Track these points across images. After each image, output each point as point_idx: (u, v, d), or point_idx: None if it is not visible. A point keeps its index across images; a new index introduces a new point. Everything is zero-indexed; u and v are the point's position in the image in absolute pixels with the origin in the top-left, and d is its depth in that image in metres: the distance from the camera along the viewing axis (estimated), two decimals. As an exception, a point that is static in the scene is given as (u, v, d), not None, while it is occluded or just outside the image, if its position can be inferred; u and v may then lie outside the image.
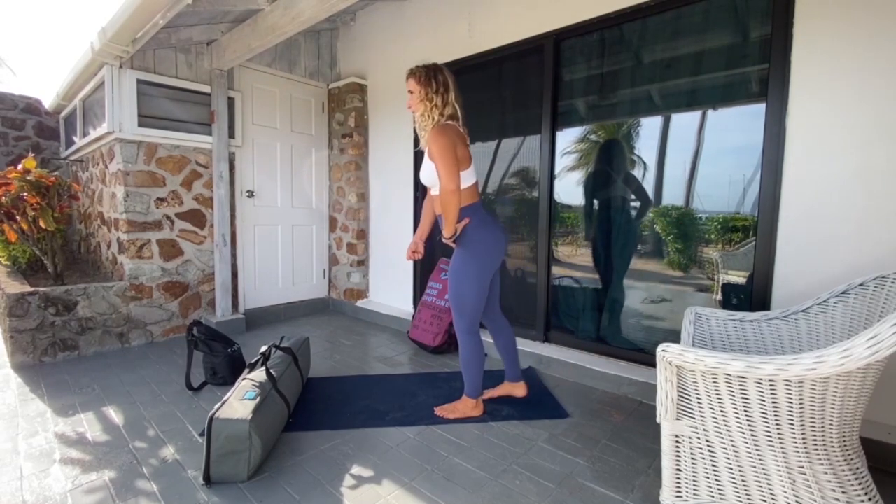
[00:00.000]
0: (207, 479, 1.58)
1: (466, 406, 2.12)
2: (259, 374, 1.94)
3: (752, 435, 1.21)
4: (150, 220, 3.19)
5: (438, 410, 2.13)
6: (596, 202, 2.82)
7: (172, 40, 3.13)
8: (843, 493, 1.14)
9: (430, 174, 1.94)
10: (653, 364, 1.93)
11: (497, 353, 2.29)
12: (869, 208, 1.81)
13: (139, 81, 3.07)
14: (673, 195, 2.47)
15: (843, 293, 1.60)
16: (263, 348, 2.19)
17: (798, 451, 1.17)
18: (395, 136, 3.81)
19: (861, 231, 1.83)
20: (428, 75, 1.93)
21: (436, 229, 2.06)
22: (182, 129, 3.29)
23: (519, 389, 2.27)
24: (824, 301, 1.64)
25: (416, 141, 3.59)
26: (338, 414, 2.14)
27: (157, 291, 3.23)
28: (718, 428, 1.26)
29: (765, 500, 1.23)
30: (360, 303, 4.08)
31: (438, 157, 1.83)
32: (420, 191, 3.66)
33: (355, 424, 2.04)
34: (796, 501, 1.18)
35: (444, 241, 1.98)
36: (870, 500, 1.16)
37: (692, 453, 1.32)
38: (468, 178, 1.94)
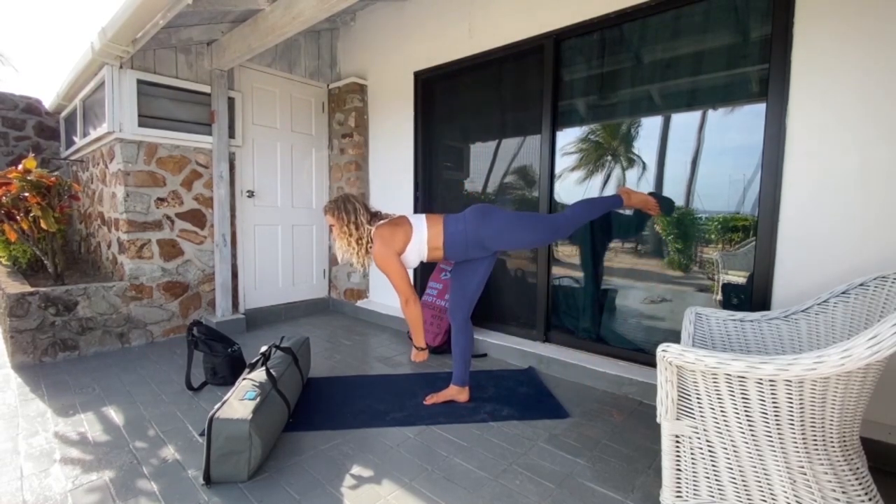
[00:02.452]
0: (207, 479, 1.58)
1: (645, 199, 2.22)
2: (259, 374, 1.94)
3: (753, 435, 1.21)
4: (151, 220, 3.19)
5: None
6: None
7: (172, 40, 3.13)
8: (843, 493, 1.14)
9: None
10: (653, 364, 1.93)
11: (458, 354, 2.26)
12: (869, 208, 1.81)
13: (139, 81, 3.07)
14: (673, 195, 2.46)
15: (843, 293, 1.60)
16: (263, 348, 2.19)
17: (798, 451, 1.16)
18: (395, 136, 3.81)
19: (861, 231, 1.83)
20: (338, 207, 2.03)
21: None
22: (182, 129, 3.29)
23: (463, 395, 2.25)
24: (824, 301, 1.64)
25: (416, 141, 3.62)
26: (338, 414, 2.14)
27: (158, 291, 3.23)
28: (718, 428, 1.26)
29: (765, 500, 1.23)
30: (360, 303, 4.08)
31: (388, 272, 1.99)
32: (420, 190, 3.67)
33: (355, 424, 2.04)
34: (796, 501, 1.18)
35: (418, 350, 2.12)
36: (870, 500, 1.16)
37: (692, 453, 1.32)
38: (420, 231, 2.04)
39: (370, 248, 2.01)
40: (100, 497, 1.53)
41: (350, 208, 2.02)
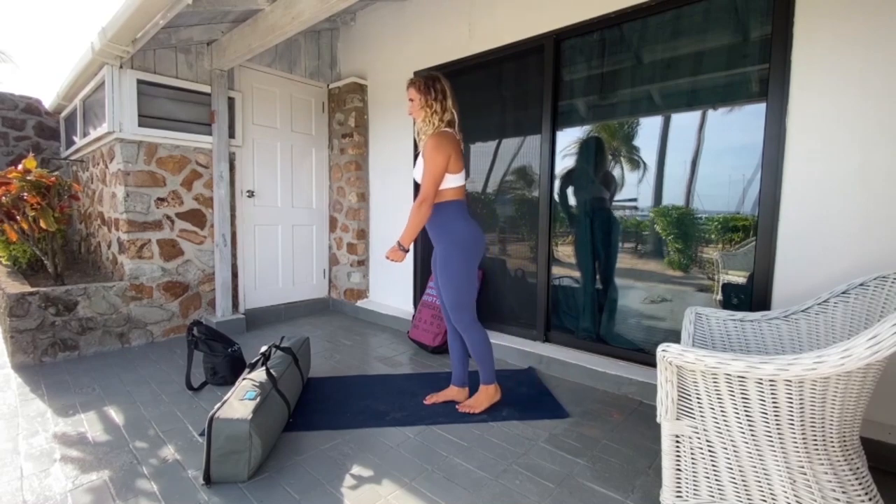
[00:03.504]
0: (207, 479, 1.58)
1: (488, 394, 2.18)
2: (259, 374, 1.94)
3: (753, 435, 1.21)
4: (151, 220, 3.19)
5: (462, 408, 2.18)
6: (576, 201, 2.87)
7: (172, 40, 3.13)
8: (843, 493, 1.14)
9: (420, 175, 2.05)
10: (653, 364, 1.93)
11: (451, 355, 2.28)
12: (869, 208, 1.81)
13: (139, 81, 3.07)
14: (673, 195, 2.47)
15: (843, 293, 1.60)
16: (263, 348, 2.19)
17: (798, 451, 1.16)
18: (395, 135, 3.81)
19: (861, 231, 1.83)
20: (427, 84, 2.03)
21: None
22: (182, 129, 3.29)
23: (463, 395, 2.26)
24: (824, 301, 1.64)
25: (416, 141, 3.61)
26: (338, 414, 2.14)
27: (158, 291, 3.23)
28: (718, 428, 1.26)
29: (765, 500, 1.23)
30: (360, 303, 4.08)
31: (429, 164, 1.95)
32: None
33: (355, 424, 2.04)
34: (797, 501, 1.18)
35: (399, 248, 2.02)
36: (870, 499, 1.16)
37: (692, 453, 1.32)
38: (457, 181, 2.04)
39: (434, 132, 2.00)
40: (100, 497, 1.53)
41: (440, 87, 2.02)
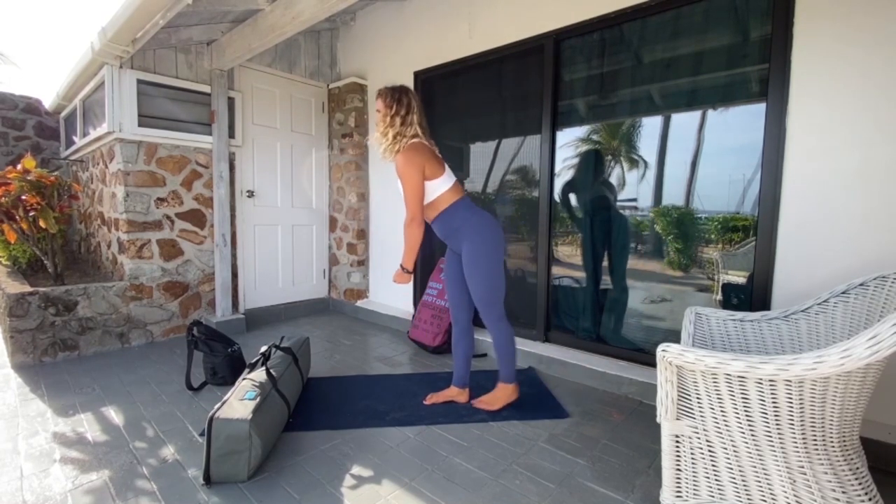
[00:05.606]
0: (207, 479, 1.58)
1: (507, 392, 2.17)
2: (259, 374, 1.94)
3: (753, 435, 1.21)
4: (150, 220, 3.19)
5: (477, 404, 2.18)
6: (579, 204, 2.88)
7: (172, 40, 3.13)
8: (843, 492, 1.14)
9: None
10: (653, 364, 1.93)
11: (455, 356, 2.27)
12: (869, 208, 1.81)
13: (139, 81, 3.07)
14: (673, 195, 2.47)
15: (843, 293, 1.60)
16: (263, 348, 2.19)
17: (798, 451, 1.16)
18: (395, 136, 3.81)
19: (861, 231, 1.83)
20: (393, 96, 2.00)
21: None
22: (182, 129, 3.29)
23: (463, 396, 2.26)
24: (824, 301, 1.64)
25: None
26: (338, 414, 2.14)
27: (158, 291, 3.23)
28: (718, 428, 1.26)
29: (765, 500, 1.23)
30: (360, 303, 4.08)
31: (405, 181, 1.95)
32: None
33: (355, 424, 2.04)
34: (796, 501, 1.18)
35: (403, 270, 2.05)
36: (870, 499, 1.16)
37: (692, 453, 1.32)
38: (444, 183, 2.01)
39: (401, 149, 1.96)
40: (99, 497, 1.53)
41: (405, 101, 1.98)
